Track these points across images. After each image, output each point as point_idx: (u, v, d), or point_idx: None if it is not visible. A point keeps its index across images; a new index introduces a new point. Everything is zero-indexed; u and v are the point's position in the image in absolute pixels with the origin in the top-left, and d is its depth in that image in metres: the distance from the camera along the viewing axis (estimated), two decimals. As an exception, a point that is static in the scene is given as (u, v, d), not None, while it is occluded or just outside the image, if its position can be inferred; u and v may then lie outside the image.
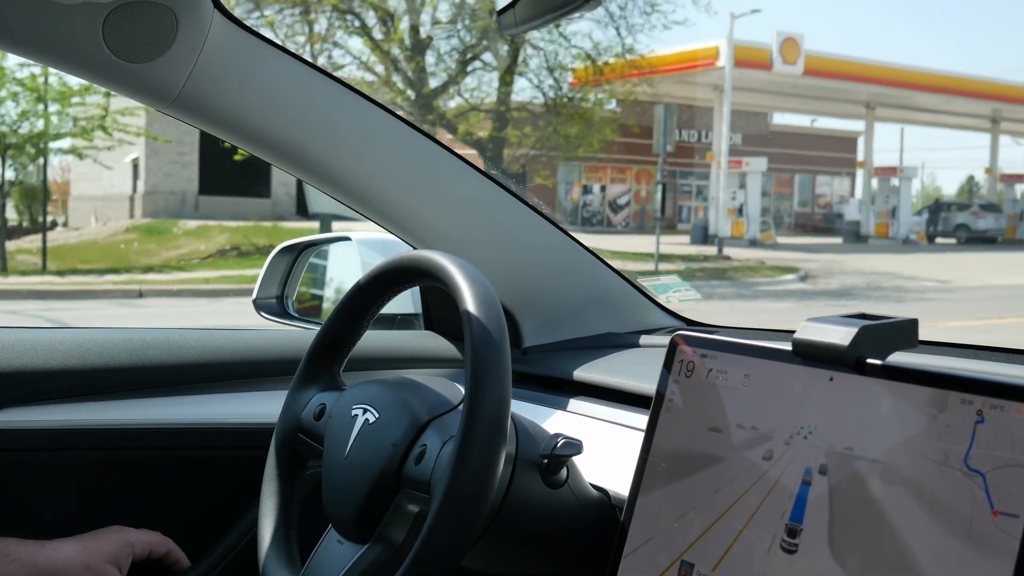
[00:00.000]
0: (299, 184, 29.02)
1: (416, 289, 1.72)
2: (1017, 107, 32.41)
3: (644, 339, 1.58)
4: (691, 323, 1.68)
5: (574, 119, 19.87)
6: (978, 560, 0.75)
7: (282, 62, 1.29)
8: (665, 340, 1.15)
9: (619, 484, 1.10)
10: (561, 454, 1.04)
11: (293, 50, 1.44)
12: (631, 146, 32.55)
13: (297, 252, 1.98)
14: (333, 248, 2.05)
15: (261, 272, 1.96)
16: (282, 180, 26.92)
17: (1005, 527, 0.74)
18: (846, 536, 0.84)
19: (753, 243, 25.42)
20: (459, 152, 1.46)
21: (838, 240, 30.38)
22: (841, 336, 0.88)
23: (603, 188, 34.24)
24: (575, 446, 1.04)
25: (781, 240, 28.85)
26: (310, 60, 1.32)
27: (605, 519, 1.10)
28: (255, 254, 17.42)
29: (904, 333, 0.89)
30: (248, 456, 1.36)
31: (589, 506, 1.10)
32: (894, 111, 33.79)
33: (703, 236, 25.39)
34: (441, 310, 1.68)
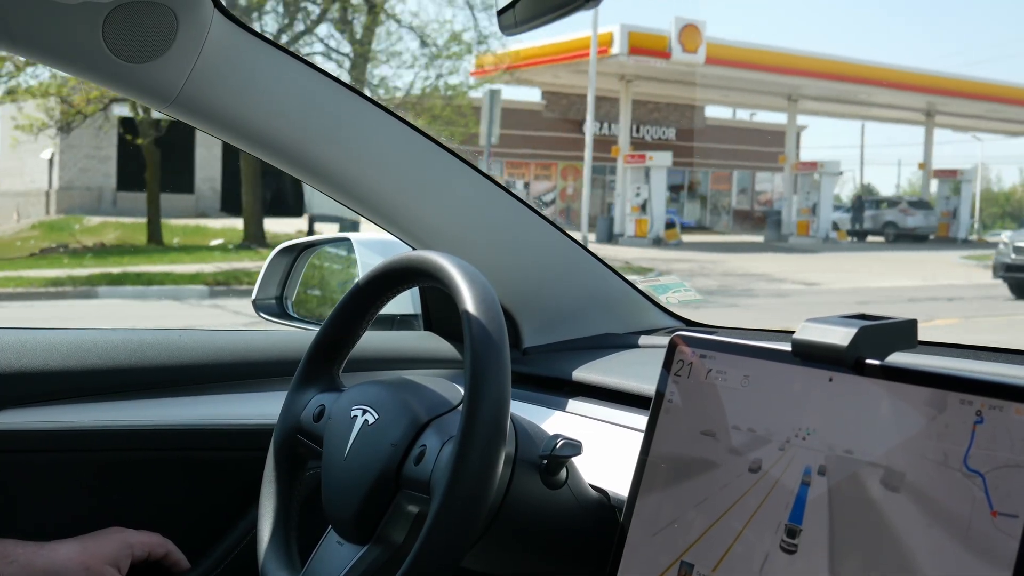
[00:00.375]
0: (224, 179, 27.82)
1: (416, 290, 1.72)
2: (952, 100, 31.08)
3: (643, 339, 1.58)
4: (690, 323, 1.68)
5: (414, 110, 18.36)
6: (977, 561, 0.75)
7: (282, 62, 1.29)
8: (664, 340, 1.15)
9: (618, 485, 1.10)
10: (560, 455, 1.04)
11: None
12: (557, 141, 30.97)
13: (296, 253, 1.98)
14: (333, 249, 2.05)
15: (260, 273, 1.95)
16: (207, 175, 25.63)
17: (1004, 528, 0.74)
18: (845, 537, 0.84)
19: (657, 242, 24.05)
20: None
21: (761, 238, 28.62)
22: (840, 336, 0.88)
23: (527, 185, 32.49)
24: (574, 447, 1.04)
25: (704, 239, 27.64)
26: (311, 61, 1.32)
27: (605, 520, 1.10)
28: (82, 253, 16.64)
29: (903, 333, 0.89)
30: (248, 457, 1.36)
31: (589, 507, 1.10)
32: (820, 104, 32.25)
33: (608, 234, 24.14)
34: (441, 311, 1.68)
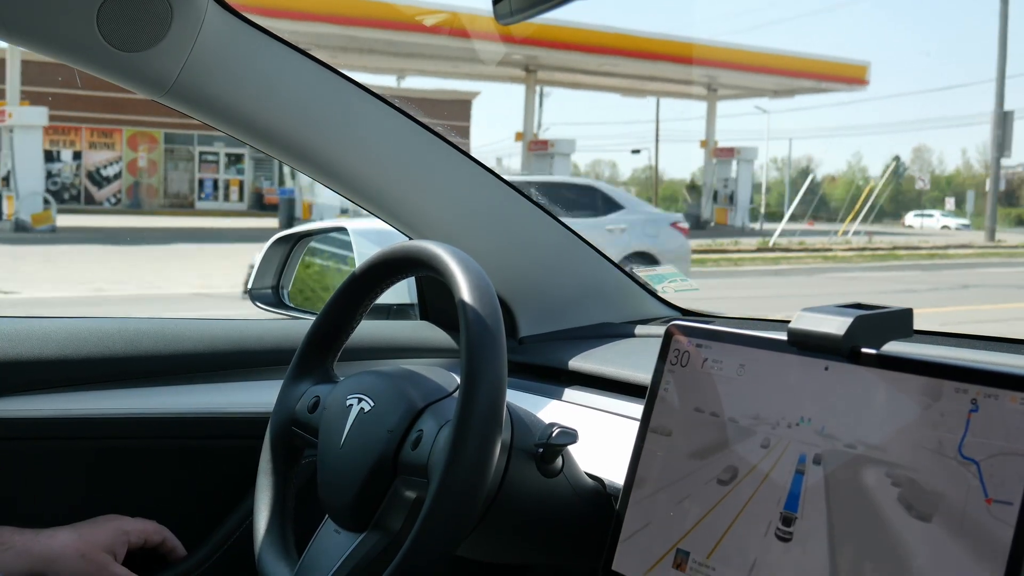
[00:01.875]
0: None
1: (412, 279, 1.72)
2: (552, 53, 23.47)
3: (640, 329, 1.58)
4: (687, 313, 1.68)
5: None
6: (972, 547, 0.76)
7: (278, 51, 1.28)
8: (661, 330, 1.16)
9: (614, 473, 1.10)
10: (556, 443, 1.04)
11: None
12: (124, 102, 25.30)
13: (293, 242, 1.98)
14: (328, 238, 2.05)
15: (256, 262, 1.95)
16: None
17: (999, 515, 0.75)
18: (841, 525, 0.84)
19: (20, 227, 18.49)
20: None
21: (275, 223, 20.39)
22: (836, 326, 0.88)
23: (78, 154, 27.31)
24: (570, 435, 1.04)
25: (116, 224, 21.44)
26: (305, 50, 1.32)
27: (601, 508, 1.10)
28: None
29: (899, 323, 0.90)
30: (244, 446, 1.36)
31: (584, 495, 1.10)
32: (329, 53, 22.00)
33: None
34: (437, 300, 1.68)
